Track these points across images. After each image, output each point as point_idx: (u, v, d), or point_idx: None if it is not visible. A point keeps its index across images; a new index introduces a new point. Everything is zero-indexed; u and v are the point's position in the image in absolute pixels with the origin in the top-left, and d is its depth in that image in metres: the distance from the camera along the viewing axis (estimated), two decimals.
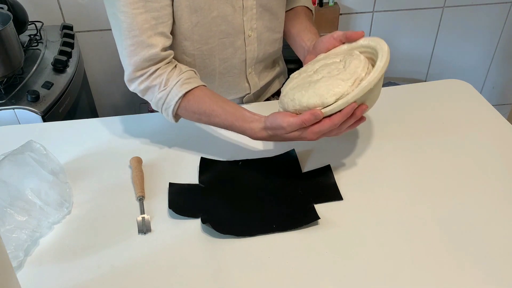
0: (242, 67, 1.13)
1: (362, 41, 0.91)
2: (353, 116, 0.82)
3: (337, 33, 0.94)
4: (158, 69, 0.96)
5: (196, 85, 0.97)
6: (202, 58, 1.07)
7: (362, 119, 0.84)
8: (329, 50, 0.95)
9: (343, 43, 0.94)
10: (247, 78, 1.16)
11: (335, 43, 0.95)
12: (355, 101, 0.80)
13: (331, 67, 0.87)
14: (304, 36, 1.09)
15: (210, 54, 1.07)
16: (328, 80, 0.83)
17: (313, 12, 1.21)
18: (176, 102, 0.96)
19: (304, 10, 1.17)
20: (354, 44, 0.91)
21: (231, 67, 1.12)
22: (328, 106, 0.81)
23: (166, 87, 0.96)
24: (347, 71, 0.83)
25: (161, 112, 0.99)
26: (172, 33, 1.00)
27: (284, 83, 1.00)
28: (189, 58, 1.07)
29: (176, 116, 0.99)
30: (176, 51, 1.04)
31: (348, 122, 0.83)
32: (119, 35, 0.95)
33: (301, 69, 0.95)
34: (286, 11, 1.17)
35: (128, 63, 0.96)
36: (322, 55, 0.95)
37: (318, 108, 0.82)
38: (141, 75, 0.96)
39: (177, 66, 1.00)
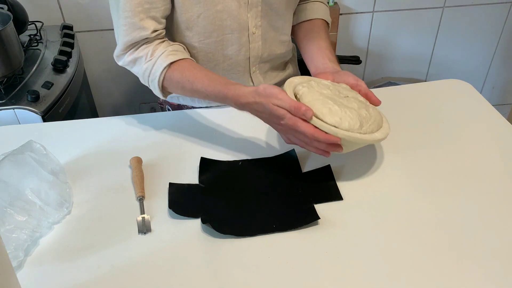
0: (246, 65, 1.13)
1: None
2: (326, 145, 0.84)
3: (362, 86, 0.94)
4: (146, 43, 1.00)
5: (182, 57, 0.99)
6: (205, 52, 1.08)
7: (327, 153, 0.87)
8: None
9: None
10: (251, 77, 1.16)
11: (354, 89, 0.95)
12: (341, 139, 0.83)
13: (358, 104, 0.88)
14: (325, 55, 1.07)
15: (214, 49, 1.07)
16: (356, 112, 0.85)
17: (330, 24, 1.20)
18: (161, 72, 0.97)
19: (324, 26, 1.16)
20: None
21: (235, 64, 1.12)
22: (326, 123, 0.83)
23: (152, 58, 0.98)
24: (370, 115, 0.87)
25: (148, 86, 1.01)
26: (174, 20, 1.02)
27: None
28: (192, 50, 1.08)
29: (164, 90, 1.01)
30: (178, 40, 1.06)
31: (320, 145, 0.85)
32: (116, 13, 0.99)
33: (321, 82, 0.94)
34: (304, 21, 1.16)
35: (121, 41, 1.00)
36: (345, 85, 0.95)
37: (312, 112, 0.83)
38: (129, 50, 1.01)
39: (166, 40, 1.03)
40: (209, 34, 1.05)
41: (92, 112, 1.87)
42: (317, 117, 0.84)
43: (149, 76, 0.99)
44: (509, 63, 2.38)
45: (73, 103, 1.55)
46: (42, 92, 1.40)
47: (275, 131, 1.05)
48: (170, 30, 1.07)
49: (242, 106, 0.91)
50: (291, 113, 0.83)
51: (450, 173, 0.95)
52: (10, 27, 1.38)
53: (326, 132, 0.83)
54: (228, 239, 0.82)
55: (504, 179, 0.94)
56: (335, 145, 0.84)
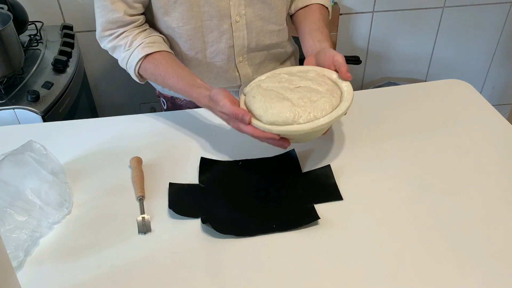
0: (231, 54, 1.13)
1: (344, 85, 0.95)
2: (272, 141, 0.90)
3: (338, 62, 0.96)
4: (125, 31, 1.05)
5: (158, 50, 1.05)
6: (186, 37, 1.09)
7: (280, 146, 0.90)
8: (325, 66, 0.98)
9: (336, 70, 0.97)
10: (237, 67, 1.16)
11: (331, 67, 0.97)
12: (278, 134, 0.88)
13: (308, 94, 0.90)
14: (315, 36, 1.07)
15: (194, 35, 1.08)
16: (291, 104, 0.88)
17: (330, 9, 1.19)
18: (137, 63, 1.05)
19: (319, 9, 1.16)
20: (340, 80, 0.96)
21: (217, 51, 1.12)
22: (261, 122, 0.88)
23: (129, 48, 1.05)
24: (316, 104, 0.88)
25: (126, 70, 1.09)
26: (152, 5, 1.06)
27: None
28: (174, 35, 1.10)
29: (139, 76, 1.08)
30: (159, 26, 1.10)
31: (267, 141, 0.90)
32: None
33: (289, 71, 0.99)
34: (301, 8, 1.16)
35: (97, 23, 1.06)
36: (313, 74, 0.97)
37: (249, 117, 0.88)
38: (109, 35, 1.06)
39: (147, 30, 1.07)
40: (188, 20, 1.06)
41: (92, 112, 1.87)
42: (256, 118, 0.90)
43: (126, 64, 1.07)
44: (509, 63, 2.38)
45: (73, 103, 1.56)
46: (42, 92, 1.40)
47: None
48: (150, 17, 1.10)
49: (201, 105, 0.99)
50: (233, 118, 0.91)
51: (450, 173, 0.95)
52: (10, 27, 1.39)
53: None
54: (228, 239, 0.82)
55: (504, 179, 0.94)
56: (281, 139, 0.89)
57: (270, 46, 1.18)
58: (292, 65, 1.29)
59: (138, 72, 1.07)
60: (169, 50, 1.08)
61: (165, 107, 1.32)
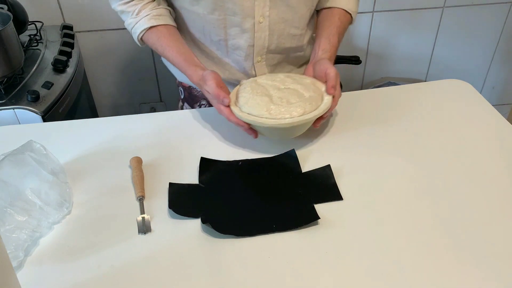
0: (250, 52, 1.14)
1: (326, 98, 1.01)
2: (245, 128, 0.99)
3: (328, 75, 1.01)
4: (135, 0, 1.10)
5: (163, 23, 1.10)
6: (211, 25, 1.11)
7: (251, 134, 1.00)
8: (319, 77, 1.05)
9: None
10: (254, 66, 1.16)
11: (324, 79, 1.03)
12: (249, 124, 0.98)
13: (290, 96, 0.98)
14: (322, 44, 1.12)
15: (217, 25, 1.10)
16: (269, 101, 0.97)
17: (353, 15, 1.18)
18: (141, 32, 1.11)
19: (339, 14, 1.16)
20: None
21: (237, 46, 1.13)
22: (243, 111, 0.98)
23: (136, 17, 1.11)
24: (289, 107, 0.96)
25: (130, 33, 1.15)
26: None
27: None
28: (201, 19, 1.11)
29: (141, 41, 1.14)
30: (183, 11, 1.13)
31: (240, 127, 1.00)
32: None
33: (288, 73, 1.07)
34: (323, 9, 1.17)
35: None
36: (309, 80, 1.04)
37: (228, 100, 0.98)
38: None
39: (155, 1, 1.12)
40: (212, 11, 1.07)
41: (92, 112, 1.87)
42: (237, 106, 0.99)
43: (131, 30, 1.13)
44: (509, 63, 2.38)
45: (73, 103, 1.55)
46: (42, 92, 1.40)
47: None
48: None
49: (193, 82, 1.08)
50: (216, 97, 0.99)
51: (450, 173, 0.95)
52: (10, 27, 1.38)
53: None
54: (228, 239, 0.82)
55: (504, 179, 0.94)
56: (250, 129, 0.99)
57: (290, 50, 1.18)
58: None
59: (141, 39, 1.13)
60: (174, 24, 1.13)
61: (182, 96, 1.34)
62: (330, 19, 1.15)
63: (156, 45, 1.11)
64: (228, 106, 0.99)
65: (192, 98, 1.29)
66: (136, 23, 1.11)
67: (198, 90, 1.26)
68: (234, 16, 1.07)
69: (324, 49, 1.10)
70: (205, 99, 1.22)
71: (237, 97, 1.01)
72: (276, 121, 0.94)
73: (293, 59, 1.22)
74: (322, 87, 1.03)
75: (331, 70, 1.00)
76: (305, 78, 1.05)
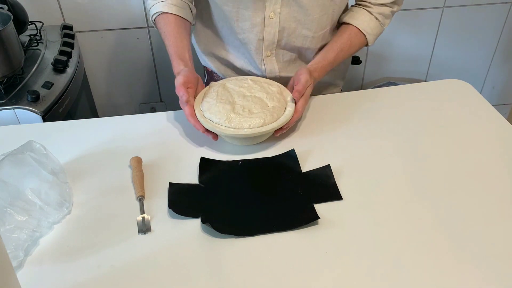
0: (259, 46, 1.15)
1: (288, 109, 1.03)
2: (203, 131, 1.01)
3: (298, 78, 1.05)
4: None
5: (175, 13, 1.13)
6: (224, 16, 1.13)
7: (213, 137, 1.02)
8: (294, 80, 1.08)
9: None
10: (263, 60, 1.17)
11: (295, 82, 1.06)
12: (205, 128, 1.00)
13: (253, 105, 1.02)
14: (317, 57, 1.15)
15: (230, 17, 1.12)
16: (230, 110, 1.00)
17: (368, 37, 1.16)
18: (154, 14, 1.15)
19: (351, 32, 1.16)
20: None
21: (247, 40, 1.15)
22: (205, 115, 1.01)
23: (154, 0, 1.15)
24: (249, 117, 0.99)
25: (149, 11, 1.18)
26: None
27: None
28: (216, 9, 1.14)
29: (154, 23, 1.18)
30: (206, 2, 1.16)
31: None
32: None
33: (257, 79, 1.10)
34: (343, 23, 1.17)
35: None
36: (275, 89, 1.07)
37: (186, 98, 1.00)
38: None
39: None
40: (224, 2, 1.10)
41: (92, 112, 1.87)
42: (200, 109, 1.03)
43: (149, 9, 1.17)
44: (509, 63, 2.38)
45: (73, 103, 1.55)
46: (42, 92, 1.40)
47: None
48: None
49: (175, 75, 1.08)
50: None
51: (449, 173, 0.95)
52: (10, 27, 1.38)
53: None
54: (227, 239, 0.82)
55: (504, 179, 0.94)
56: (208, 131, 1.00)
57: (301, 49, 1.18)
58: (341, 73, 1.32)
59: (154, 20, 1.17)
60: (186, 17, 1.15)
61: (205, 80, 1.38)
62: (341, 34, 1.16)
63: (161, 30, 1.15)
64: (190, 105, 1.01)
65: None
66: (154, 4, 1.14)
67: (219, 75, 1.30)
68: (246, 10, 1.09)
69: (315, 61, 1.12)
70: None
71: (203, 100, 1.04)
72: (234, 131, 0.97)
73: (307, 59, 1.22)
74: (288, 96, 1.05)
75: (303, 77, 1.03)
76: (273, 85, 1.08)
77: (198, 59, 1.34)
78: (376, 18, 1.16)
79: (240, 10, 1.10)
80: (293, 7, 1.08)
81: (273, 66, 1.19)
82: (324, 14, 1.12)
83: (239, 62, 1.22)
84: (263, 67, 1.18)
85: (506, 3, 2.17)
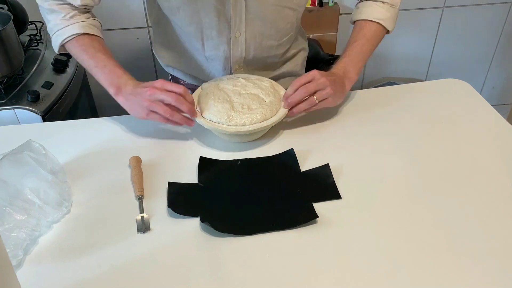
0: (227, 63, 1.15)
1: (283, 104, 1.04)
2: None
3: (292, 83, 1.02)
4: (71, 5, 1.06)
5: (96, 34, 1.08)
6: (189, 36, 1.12)
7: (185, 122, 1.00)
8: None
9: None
10: (232, 73, 1.17)
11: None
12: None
13: (251, 101, 1.02)
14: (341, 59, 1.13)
15: (195, 38, 1.11)
16: (229, 108, 1.00)
17: (384, 24, 1.14)
18: (70, 35, 1.06)
19: (360, 26, 1.14)
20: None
21: (215, 57, 1.14)
22: (204, 116, 1.01)
23: (69, 19, 1.06)
24: (249, 113, 1.00)
25: (51, 36, 1.10)
26: (161, 4, 1.08)
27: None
28: (179, 31, 1.12)
29: (62, 48, 1.09)
30: (165, 19, 1.12)
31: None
32: None
33: (248, 76, 1.10)
34: (355, 21, 1.16)
35: None
36: (268, 84, 1.07)
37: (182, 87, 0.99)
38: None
39: (90, 12, 1.10)
40: (189, 25, 1.08)
41: (92, 112, 1.87)
42: (199, 110, 1.02)
43: (57, 31, 1.07)
44: (509, 63, 2.38)
45: (73, 103, 1.56)
46: (42, 92, 1.40)
47: (273, 131, 1.06)
48: (161, 10, 1.12)
49: (112, 87, 1.04)
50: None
51: (449, 173, 0.95)
52: (10, 27, 1.39)
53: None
54: (227, 238, 0.82)
55: (503, 179, 0.94)
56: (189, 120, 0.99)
57: (268, 58, 1.18)
58: (299, 62, 1.31)
59: (63, 44, 1.08)
60: (103, 38, 1.11)
61: None
62: (354, 34, 1.15)
63: (86, 46, 1.06)
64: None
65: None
66: (69, 25, 1.06)
67: (184, 80, 1.28)
68: (210, 30, 1.08)
69: (338, 64, 1.12)
70: (191, 89, 1.23)
71: (198, 102, 1.04)
72: (236, 128, 0.97)
73: (270, 65, 1.23)
74: (281, 90, 1.06)
75: (296, 81, 1.01)
76: (264, 80, 1.08)
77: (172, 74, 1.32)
78: (383, 2, 1.15)
79: (204, 30, 1.08)
80: (257, 23, 1.08)
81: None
82: (288, 23, 1.13)
83: (206, 74, 1.20)
84: None
85: (506, 3, 2.17)
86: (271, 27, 1.11)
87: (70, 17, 1.06)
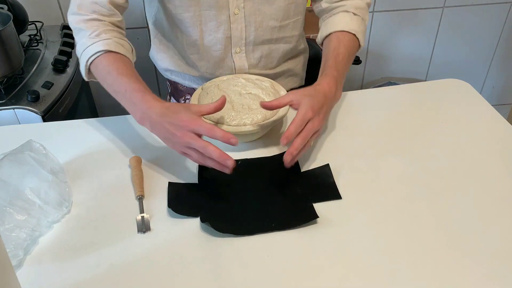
0: (228, 44, 1.14)
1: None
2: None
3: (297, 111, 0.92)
4: (98, 20, 1.01)
5: (122, 53, 1.00)
6: (186, 24, 1.11)
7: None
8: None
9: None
10: (232, 57, 1.17)
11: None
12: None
13: (251, 101, 1.03)
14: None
15: (193, 23, 1.10)
16: (230, 108, 1.01)
17: (358, 37, 1.10)
18: (95, 53, 0.98)
19: (335, 37, 1.08)
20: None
21: (215, 41, 1.13)
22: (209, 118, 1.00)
23: (95, 37, 0.98)
24: (250, 113, 1.00)
25: (79, 58, 1.02)
26: None
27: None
28: (175, 22, 1.11)
29: (90, 74, 1.02)
30: (162, 11, 1.12)
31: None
32: None
33: (248, 77, 1.10)
34: (325, 37, 1.11)
35: (76, 1, 1.02)
36: (268, 84, 1.08)
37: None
38: (81, 15, 1.01)
39: (118, 31, 1.04)
40: (187, 8, 1.08)
41: (92, 112, 1.87)
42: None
43: (83, 50, 1.00)
44: (509, 63, 2.38)
45: (73, 103, 1.56)
46: (42, 92, 1.40)
47: (273, 131, 1.06)
48: (154, 2, 1.13)
49: (144, 116, 0.92)
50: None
51: (449, 173, 0.95)
52: (10, 27, 1.39)
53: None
54: (227, 238, 0.82)
55: (503, 179, 0.94)
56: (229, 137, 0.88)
57: (271, 41, 1.18)
58: (301, 63, 1.31)
59: (90, 64, 1.00)
60: (131, 58, 1.03)
61: (169, 91, 1.35)
62: (327, 44, 1.09)
63: (110, 67, 0.97)
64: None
65: (178, 93, 1.31)
66: (93, 43, 0.98)
67: (183, 85, 1.28)
68: (209, 10, 1.08)
69: (318, 82, 1.00)
70: (190, 93, 1.25)
71: (198, 102, 1.05)
72: (236, 128, 0.98)
73: (281, 52, 1.20)
74: (281, 91, 1.08)
75: (301, 110, 0.90)
76: (264, 80, 1.09)
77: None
78: (355, 14, 1.11)
79: (203, 12, 1.08)
80: (256, 0, 1.09)
81: (242, 63, 1.18)
82: (291, 3, 1.12)
83: (204, 70, 1.18)
84: (232, 64, 1.18)
85: (506, 3, 2.17)
86: (270, 4, 1.11)
87: (96, 35, 0.99)
